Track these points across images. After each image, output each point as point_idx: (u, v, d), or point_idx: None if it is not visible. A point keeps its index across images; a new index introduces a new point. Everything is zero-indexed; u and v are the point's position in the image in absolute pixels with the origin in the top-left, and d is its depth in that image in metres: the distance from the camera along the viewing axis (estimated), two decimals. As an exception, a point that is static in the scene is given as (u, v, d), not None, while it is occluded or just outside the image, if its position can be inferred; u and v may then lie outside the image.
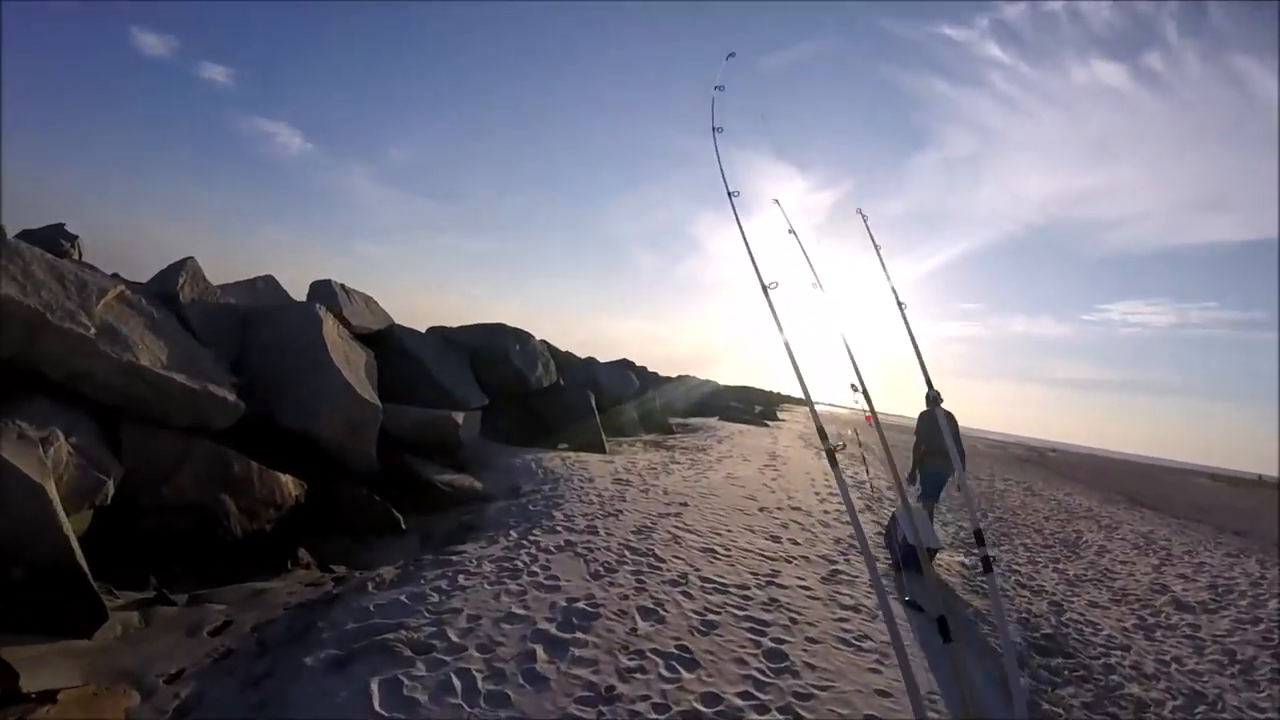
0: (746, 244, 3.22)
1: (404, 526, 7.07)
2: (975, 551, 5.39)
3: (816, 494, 10.14)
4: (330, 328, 8.68)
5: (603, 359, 23.91)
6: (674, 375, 36.02)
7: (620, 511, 7.13)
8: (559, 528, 6.19)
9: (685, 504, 7.89)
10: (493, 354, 11.77)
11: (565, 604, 4.29)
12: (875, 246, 4.27)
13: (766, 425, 27.92)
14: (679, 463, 11.74)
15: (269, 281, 10.24)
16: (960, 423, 6.81)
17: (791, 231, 3.99)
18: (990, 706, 3.98)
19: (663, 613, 4.40)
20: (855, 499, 10.18)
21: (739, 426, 24.28)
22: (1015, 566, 8.00)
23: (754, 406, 37.49)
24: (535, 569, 4.86)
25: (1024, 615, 5.98)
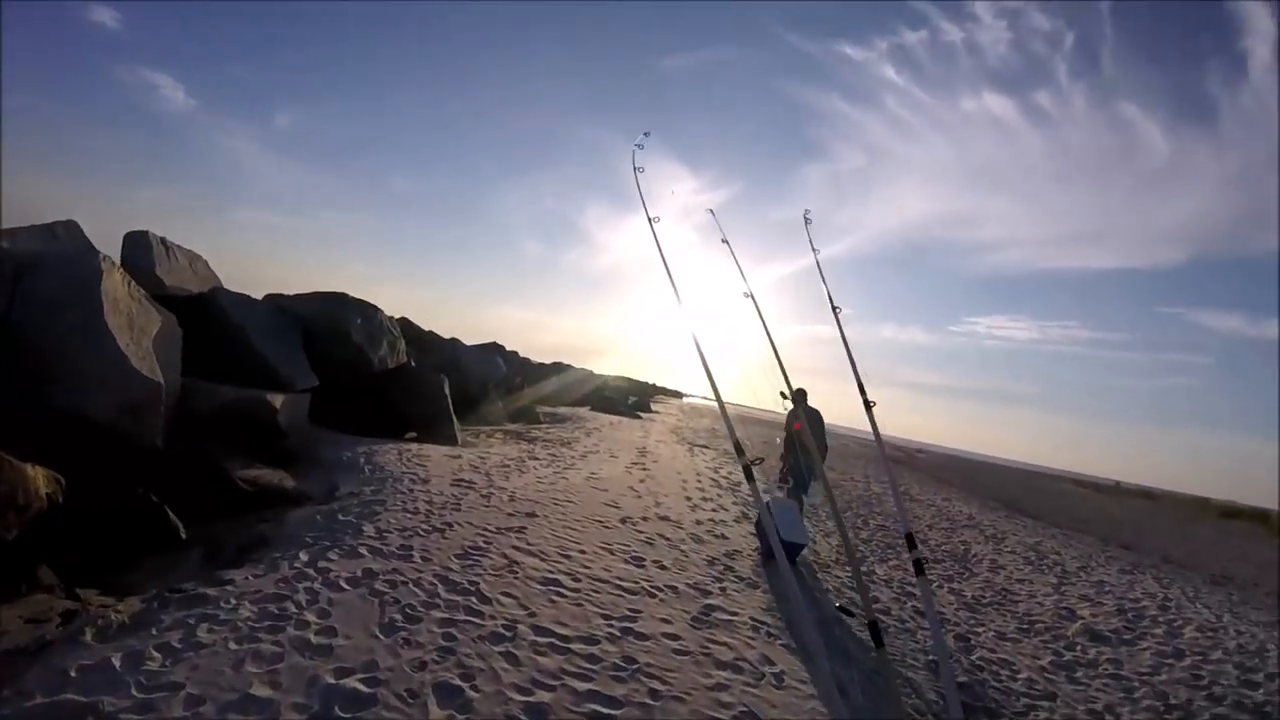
0: (668, 271, 3.53)
1: (183, 536, 5.74)
2: (906, 555, 5.93)
3: (688, 499, 9.49)
4: (115, 285, 7.10)
5: (474, 343, 22.60)
6: (548, 363, 34.98)
7: (450, 525, 6.08)
8: (364, 548, 5.07)
9: (533, 514, 6.94)
10: (331, 328, 10.34)
11: (332, 680, 3.15)
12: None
13: (639, 417, 27.43)
14: (538, 458, 10.81)
15: (71, 228, 8.48)
16: (825, 421, 7.21)
17: (725, 241, 4.44)
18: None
19: (471, 693, 3.26)
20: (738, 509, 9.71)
21: (610, 418, 23.60)
22: (907, 586, 7.30)
23: (628, 397, 37.02)
24: (309, 616, 3.72)
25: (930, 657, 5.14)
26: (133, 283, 7.60)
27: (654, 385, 68.09)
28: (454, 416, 11.74)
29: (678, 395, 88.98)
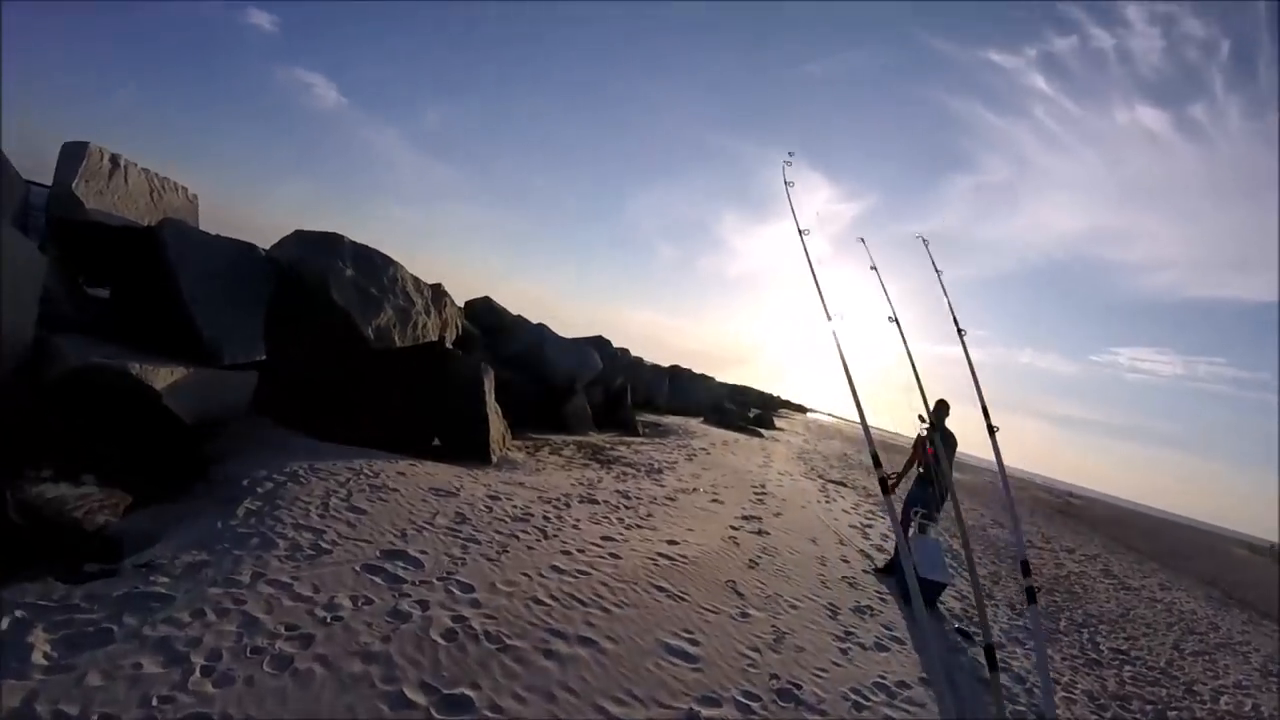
0: (817, 284, 3.56)
1: None
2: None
3: (833, 612, 5.32)
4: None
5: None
6: (664, 365, 31.33)
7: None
8: None
9: (517, 662, 3.14)
10: (305, 280, 7.00)
11: None
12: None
13: (760, 435, 23.16)
14: (599, 499, 6.96)
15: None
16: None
17: (874, 268, 4.60)
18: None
19: None
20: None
21: (725, 435, 19.52)
22: None
23: (749, 410, 32.74)
24: None
25: None
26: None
27: (778, 398, 63.34)
28: (491, 422, 8.13)
29: (802, 410, 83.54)
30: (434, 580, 3.97)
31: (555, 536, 5.20)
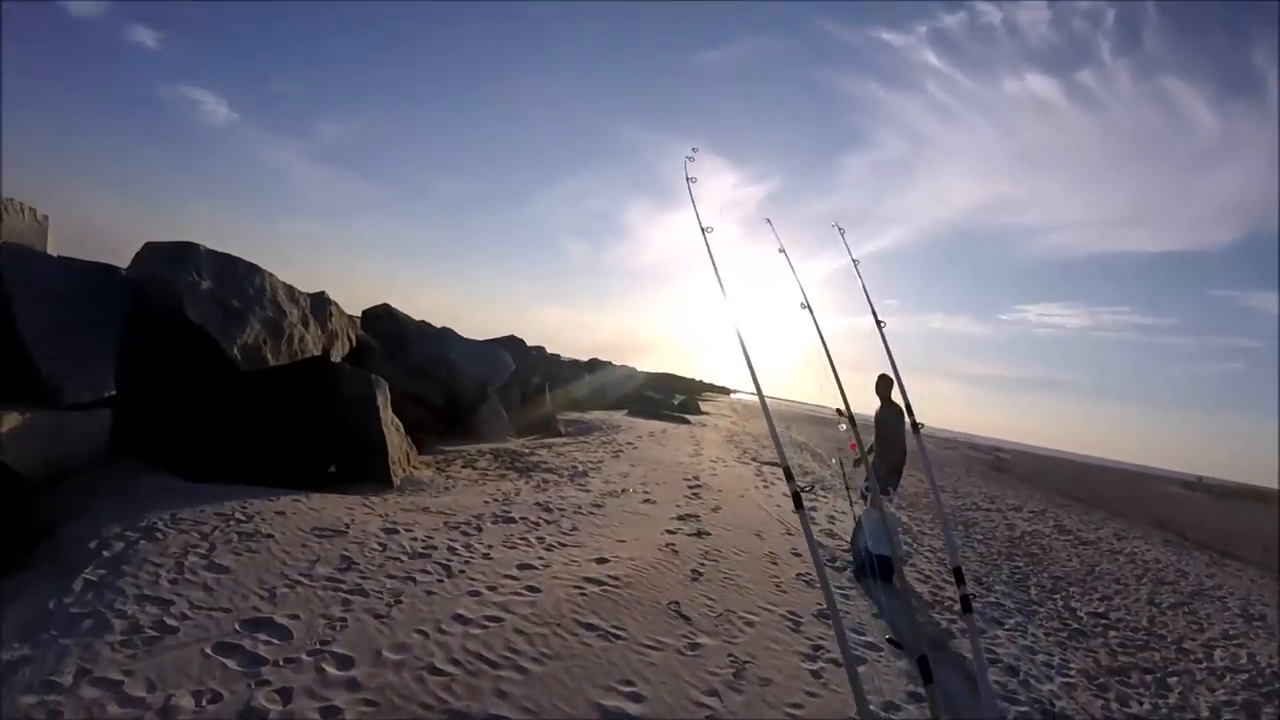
0: (720, 282, 3.35)
1: None
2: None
3: (794, 623, 4.86)
4: None
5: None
6: (583, 360, 30.59)
7: None
8: None
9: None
10: (156, 298, 6.04)
11: None
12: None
13: (687, 422, 22.79)
14: (516, 515, 6.29)
15: None
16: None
17: (781, 250, 4.45)
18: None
19: None
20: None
21: (651, 425, 19.02)
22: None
23: (674, 396, 32.41)
24: None
25: None
26: None
27: (701, 382, 63.46)
28: (389, 441, 7.31)
29: (725, 391, 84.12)
30: (303, 655, 3.22)
31: (461, 573, 4.47)
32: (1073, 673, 5.03)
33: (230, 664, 3.12)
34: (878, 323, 4.57)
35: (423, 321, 14.52)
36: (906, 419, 4.76)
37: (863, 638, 4.66)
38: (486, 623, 3.75)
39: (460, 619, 3.75)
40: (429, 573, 4.41)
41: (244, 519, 4.96)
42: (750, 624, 4.53)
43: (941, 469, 22.27)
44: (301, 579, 4.05)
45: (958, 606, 5.51)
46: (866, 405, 6.63)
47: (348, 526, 5.11)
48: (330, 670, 3.12)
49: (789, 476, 2.82)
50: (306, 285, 8.05)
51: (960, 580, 3.36)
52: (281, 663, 3.17)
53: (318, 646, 3.33)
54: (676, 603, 4.65)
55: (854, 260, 5.01)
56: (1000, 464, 37.63)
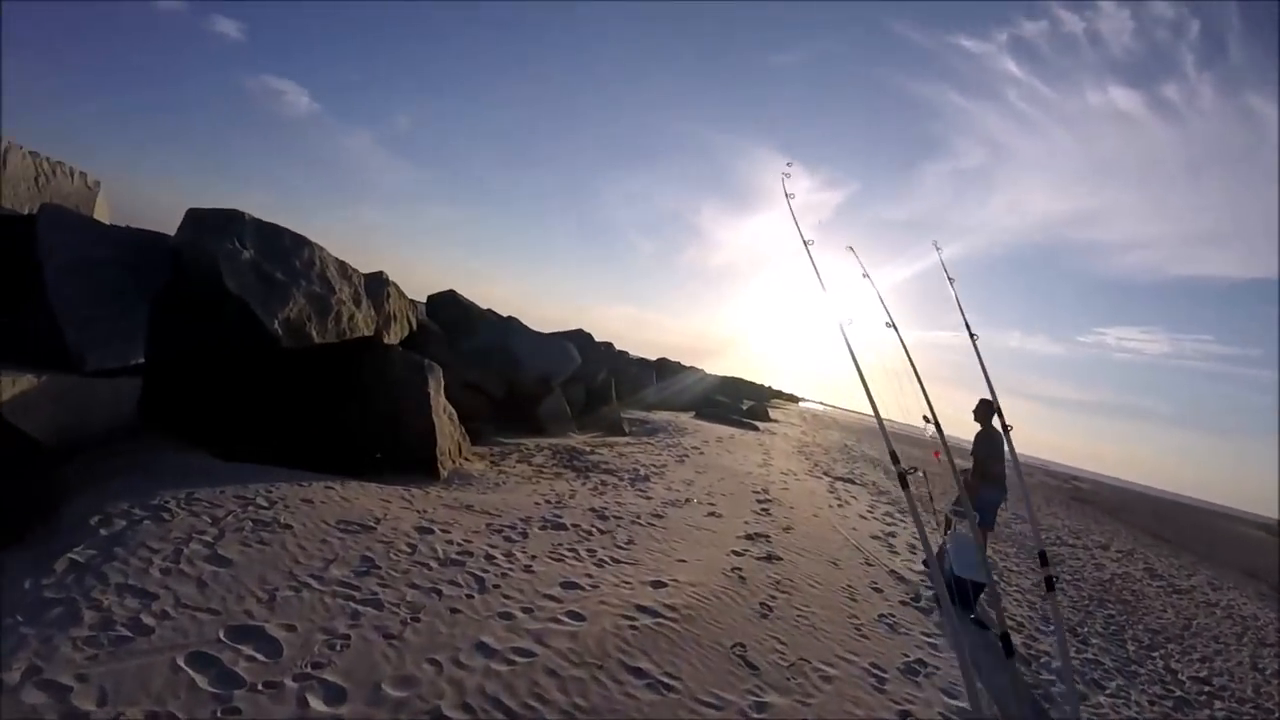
0: (822, 284, 3.49)
1: None
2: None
3: (880, 677, 3.96)
4: None
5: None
6: (651, 359, 29.91)
7: None
8: None
9: None
10: (196, 266, 5.63)
11: None
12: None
13: (755, 429, 21.85)
14: (565, 523, 5.61)
15: None
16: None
17: (866, 276, 4.27)
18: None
19: None
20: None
21: (719, 430, 18.19)
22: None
23: (742, 401, 31.44)
24: None
25: None
26: None
27: (770, 388, 62.10)
28: (439, 429, 6.76)
29: (794, 399, 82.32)
30: (287, 680, 2.62)
31: (496, 588, 3.81)
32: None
33: (200, 681, 2.56)
34: (971, 336, 4.50)
35: (488, 310, 14.12)
36: (1006, 444, 4.79)
37: (954, 701, 3.80)
38: (514, 657, 3.07)
39: (484, 649, 3.08)
40: (459, 584, 3.77)
41: (265, 505, 4.45)
42: (827, 678, 3.72)
43: (1022, 498, 20.74)
44: (310, 581, 3.47)
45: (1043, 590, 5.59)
46: (946, 422, 6.01)
47: (378, 522, 4.54)
48: (315, 705, 2.51)
49: (895, 459, 2.71)
50: (379, 269, 7.69)
51: (1045, 562, 3.38)
52: (261, 686, 2.58)
53: (308, 670, 2.72)
54: (743, 645, 3.87)
55: (950, 279, 4.88)
56: (1078, 493, 35.32)
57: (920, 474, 3.16)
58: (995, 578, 7.51)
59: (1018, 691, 3.64)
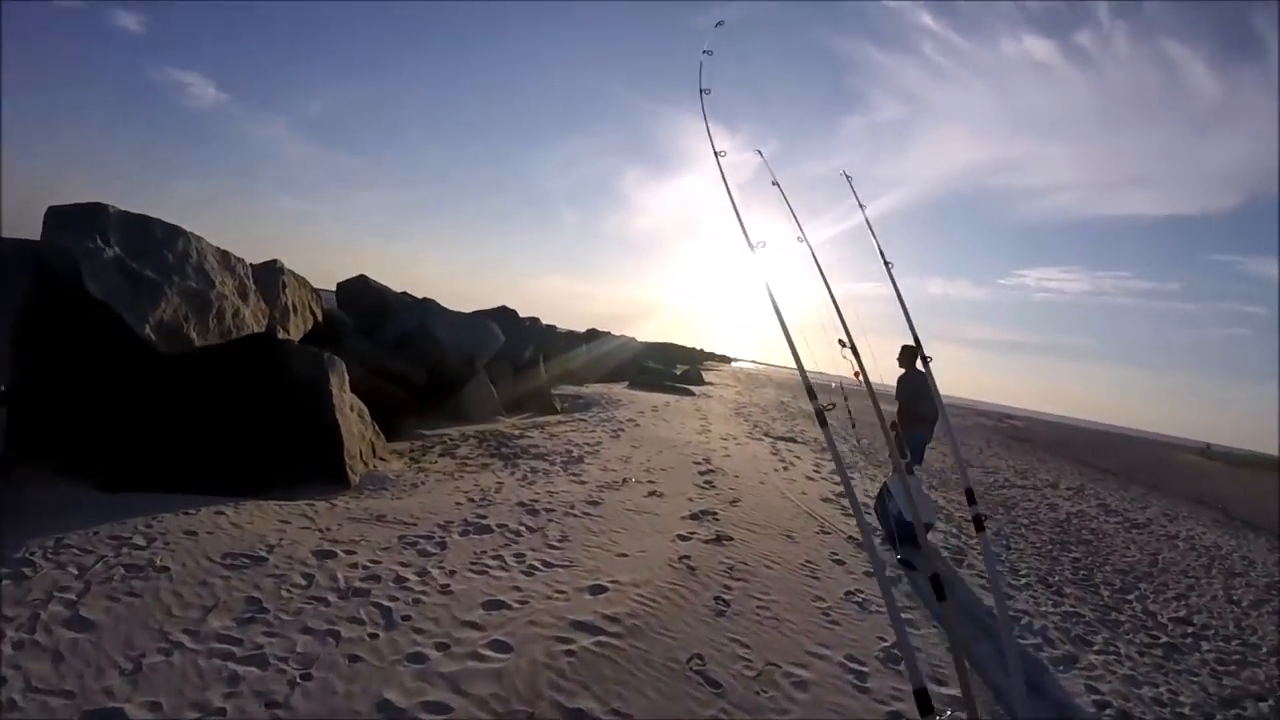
0: (735, 206, 3.11)
1: None
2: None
3: (860, 673, 3.65)
4: None
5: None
6: (580, 330, 29.41)
7: None
8: None
9: None
10: (59, 273, 4.87)
11: None
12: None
13: (691, 393, 21.73)
14: (490, 523, 5.22)
15: None
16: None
17: (775, 183, 4.12)
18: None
19: None
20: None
21: (654, 399, 17.96)
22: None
23: (675, 366, 31.35)
24: None
25: None
26: None
27: (702, 351, 62.29)
28: (345, 431, 6.25)
29: (726, 360, 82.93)
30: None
31: (406, 620, 3.40)
32: (1186, 709, 4.05)
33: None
34: (885, 263, 4.40)
35: (403, 292, 13.43)
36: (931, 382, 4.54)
37: (947, 690, 3.63)
38: (424, 716, 2.68)
39: (387, 709, 2.68)
40: (361, 621, 3.35)
41: (142, 544, 3.94)
42: (801, 684, 3.40)
43: (962, 440, 21.19)
44: (184, 639, 3.01)
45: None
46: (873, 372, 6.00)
47: (271, 550, 4.07)
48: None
49: (812, 394, 2.58)
50: (298, 263, 7.10)
51: (972, 500, 3.35)
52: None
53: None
54: (700, 657, 3.51)
55: (861, 205, 4.82)
56: (1015, 431, 36.75)
57: (840, 405, 3.14)
58: (940, 519, 7.62)
59: (954, 640, 3.53)
